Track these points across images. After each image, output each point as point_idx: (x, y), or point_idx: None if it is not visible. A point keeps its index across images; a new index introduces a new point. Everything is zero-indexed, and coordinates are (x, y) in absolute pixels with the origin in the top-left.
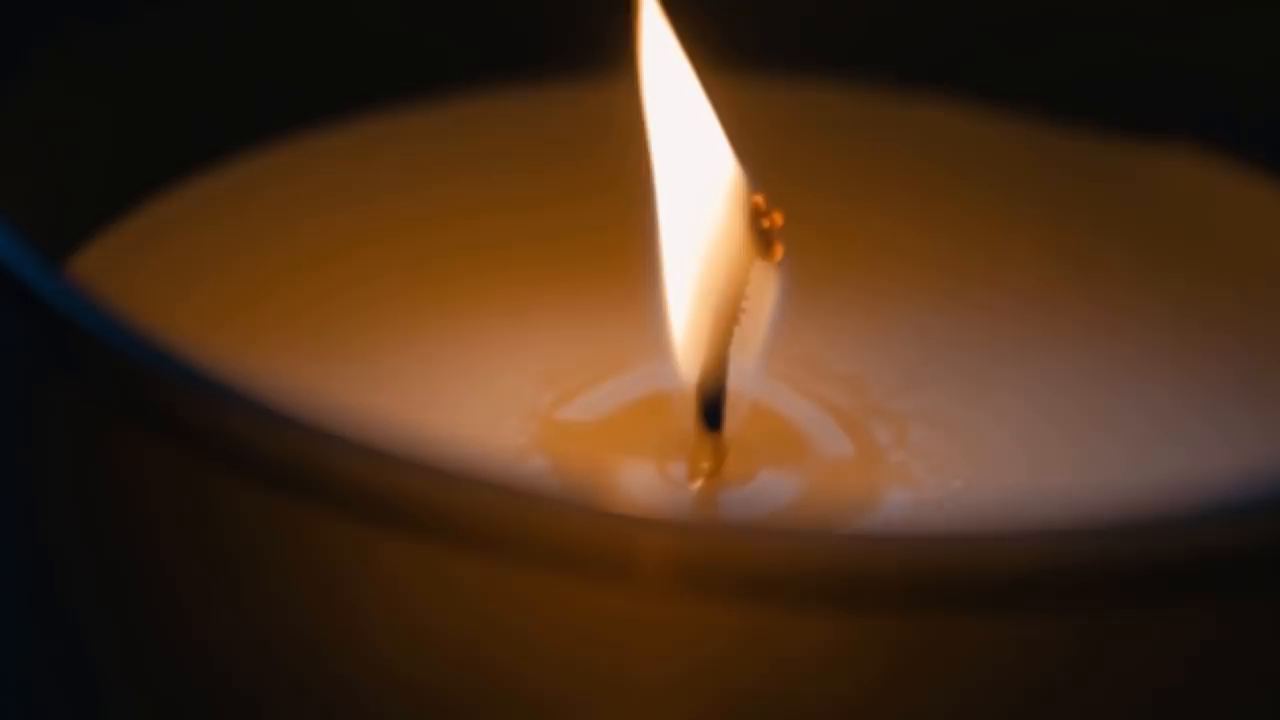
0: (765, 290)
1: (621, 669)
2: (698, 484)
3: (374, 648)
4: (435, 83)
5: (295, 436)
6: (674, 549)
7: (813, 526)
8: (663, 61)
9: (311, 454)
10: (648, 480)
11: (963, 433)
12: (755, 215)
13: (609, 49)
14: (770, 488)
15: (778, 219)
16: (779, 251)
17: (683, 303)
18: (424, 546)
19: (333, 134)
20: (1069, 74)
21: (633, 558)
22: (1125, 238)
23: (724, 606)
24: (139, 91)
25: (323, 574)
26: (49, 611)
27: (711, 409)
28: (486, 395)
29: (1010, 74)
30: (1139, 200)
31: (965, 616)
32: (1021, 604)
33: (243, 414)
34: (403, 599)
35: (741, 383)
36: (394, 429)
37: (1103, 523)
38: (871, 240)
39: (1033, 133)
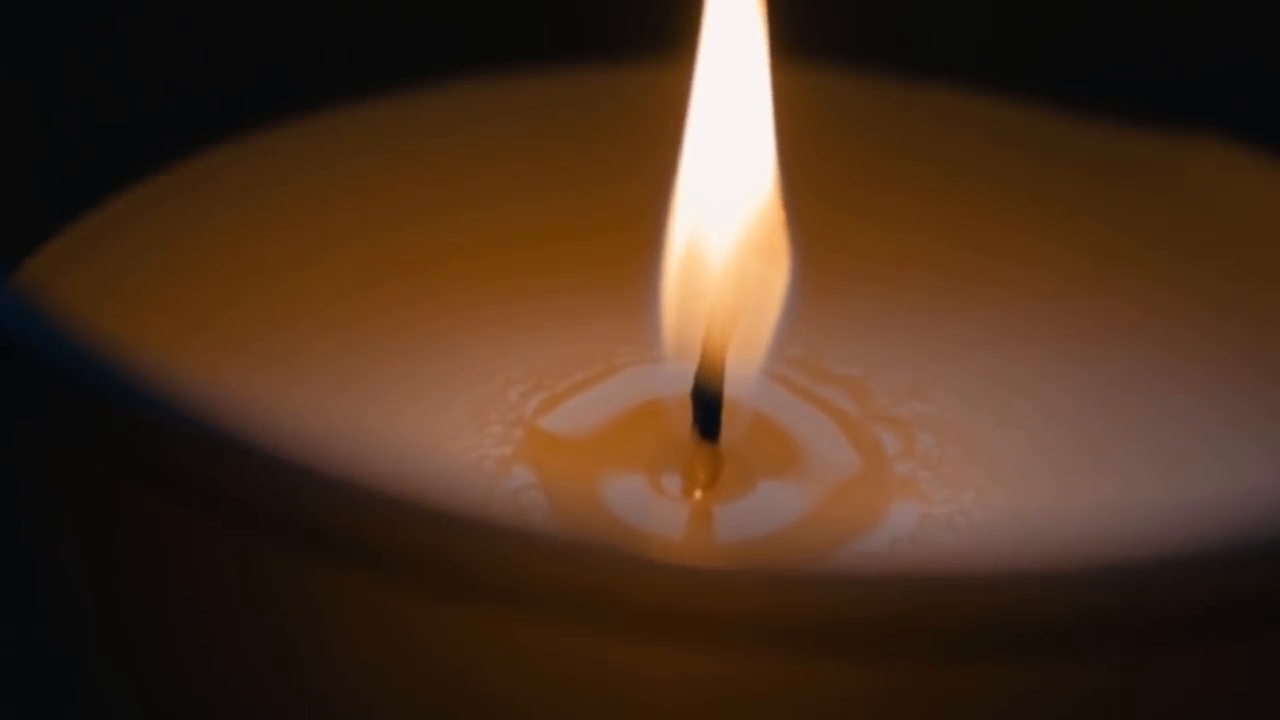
0: (772, 292)
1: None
2: (694, 497)
3: (364, 691)
4: (416, 73)
5: (291, 485)
6: (669, 593)
7: (816, 562)
8: (734, 45)
9: (308, 504)
10: (639, 493)
11: (974, 440)
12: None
13: (610, 37)
14: (770, 501)
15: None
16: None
17: (679, 304)
18: (418, 593)
19: (305, 128)
20: (1092, 65)
21: (626, 602)
22: (1151, 235)
23: (722, 654)
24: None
25: (313, 620)
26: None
27: (708, 417)
28: (469, 401)
29: (1028, 64)
30: (1165, 196)
31: (980, 664)
32: (1040, 651)
33: (228, 458)
34: (396, 643)
35: (739, 389)
36: (384, 461)
37: (1128, 560)
38: (878, 235)
39: (1052, 125)
